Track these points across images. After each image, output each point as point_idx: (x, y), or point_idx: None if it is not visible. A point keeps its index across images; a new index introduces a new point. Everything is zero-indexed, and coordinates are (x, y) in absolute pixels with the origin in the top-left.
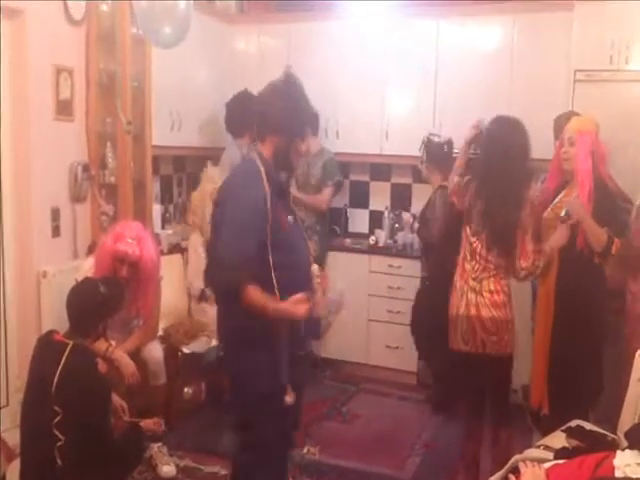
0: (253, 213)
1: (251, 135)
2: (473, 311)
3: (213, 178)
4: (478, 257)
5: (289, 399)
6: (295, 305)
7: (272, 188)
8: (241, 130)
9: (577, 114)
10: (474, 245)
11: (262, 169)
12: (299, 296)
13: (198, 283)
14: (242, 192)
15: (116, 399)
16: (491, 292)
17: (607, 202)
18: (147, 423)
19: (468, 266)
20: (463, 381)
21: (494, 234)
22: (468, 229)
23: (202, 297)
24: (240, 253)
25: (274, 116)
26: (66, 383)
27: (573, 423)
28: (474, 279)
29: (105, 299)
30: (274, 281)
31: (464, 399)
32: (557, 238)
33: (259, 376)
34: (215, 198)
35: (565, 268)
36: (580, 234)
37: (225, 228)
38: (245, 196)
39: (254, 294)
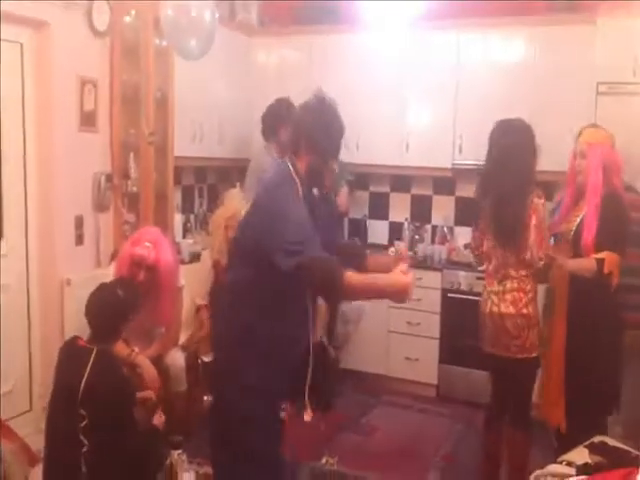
0: (302, 210)
1: (278, 140)
2: (496, 315)
3: (232, 202)
4: (497, 259)
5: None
6: (402, 275)
7: (306, 203)
8: (270, 133)
9: (594, 127)
10: (490, 247)
11: (298, 183)
12: (403, 267)
13: (199, 300)
14: (288, 193)
15: (140, 394)
16: (512, 293)
17: (618, 214)
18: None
19: (492, 269)
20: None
21: (502, 232)
22: (485, 233)
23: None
24: (317, 244)
25: (308, 136)
26: (93, 388)
27: (596, 439)
28: (498, 282)
29: (123, 301)
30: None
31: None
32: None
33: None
34: (249, 208)
35: (577, 285)
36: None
37: (290, 229)
38: (292, 197)
39: (355, 277)
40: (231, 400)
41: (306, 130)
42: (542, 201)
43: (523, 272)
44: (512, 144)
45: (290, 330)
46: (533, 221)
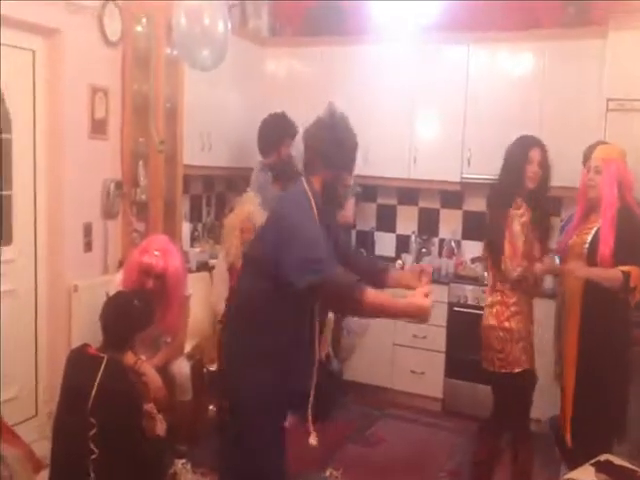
0: (318, 228)
1: (278, 156)
2: (485, 327)
3: (247, 205)
4: (489, 272)
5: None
6: (422, 298)
7: (320, 220)
8: (269, 150)
9: (606, 144)
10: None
11: (312, 200)
12: (424, 289)
13: (221, 306)
14: (302, 212)
15: (146, 407)
16: (496, 307)
17: (635, 228)
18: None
19: (488, 284)
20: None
21: (486, 244)
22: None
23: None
24: (334, 262)
25: (322, 151)
26: (105, 396)
27: (602, 457)
28: (489, 295)
29: (140, 312)
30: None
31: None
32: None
33: (261, 396)
34: (264, 222)
35: (589, 301)
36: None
37: (307, 248)
38: (309, 215)
39: (374, 295)
40: (239, 407)
41: (319, 145)
42: (519, 212)
43: (507, 285)
44: (506, 156)
45: (298, 341)
46: (507, 232)
